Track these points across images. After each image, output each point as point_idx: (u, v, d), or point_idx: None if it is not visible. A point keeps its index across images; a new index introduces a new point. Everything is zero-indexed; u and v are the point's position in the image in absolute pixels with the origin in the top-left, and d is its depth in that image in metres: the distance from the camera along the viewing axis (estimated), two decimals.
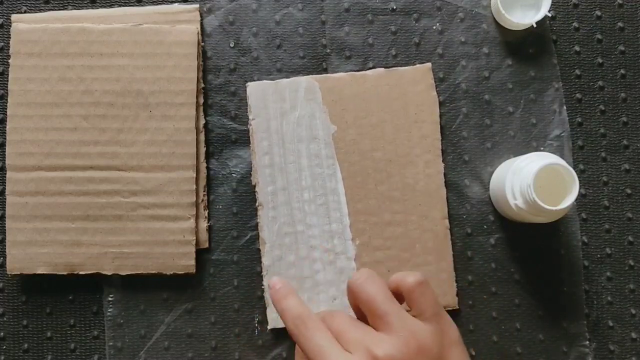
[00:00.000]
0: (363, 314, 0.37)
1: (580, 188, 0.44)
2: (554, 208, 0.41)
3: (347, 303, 0.45)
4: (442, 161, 0.48)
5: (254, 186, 0.48)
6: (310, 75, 0.48)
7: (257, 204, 0.47)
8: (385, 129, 0.48)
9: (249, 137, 0.49)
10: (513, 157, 0.48)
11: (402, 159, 0.47)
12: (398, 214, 0.47)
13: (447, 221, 0.47)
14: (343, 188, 0.47)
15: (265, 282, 0.47)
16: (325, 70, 0.49)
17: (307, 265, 0.47)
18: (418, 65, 0.49)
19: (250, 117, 0.48)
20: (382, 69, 0.49)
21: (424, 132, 0.48)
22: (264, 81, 0.48)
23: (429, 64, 0.49)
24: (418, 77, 0.48)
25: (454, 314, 0.47)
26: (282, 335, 0.47)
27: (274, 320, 0.47)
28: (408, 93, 0.48)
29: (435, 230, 0.47)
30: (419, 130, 0.48)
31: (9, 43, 0.48)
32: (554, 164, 0.42)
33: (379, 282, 0.37)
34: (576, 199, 0.42)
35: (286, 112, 0.48)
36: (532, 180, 0.41)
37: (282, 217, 0.47)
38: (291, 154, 0.47)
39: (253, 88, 0.48)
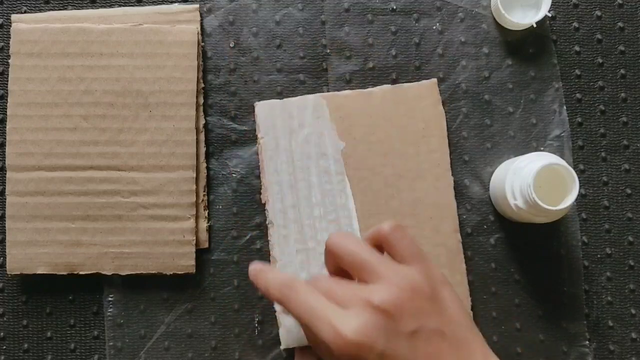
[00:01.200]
0: (342, 277, 0.37)
1: (580, 188, 0.44)
2: (554, 208, 0.41)
3: None
4: None
5: (264, 204, 0.47)
6: (318, 94, 0.48)
7: (267, 222, 0.47)
8: (394, 144, 0.48)
9: (248, 137, 0.49)
10: (513, 157, 0.48)
11: (412, 174, 0.47)
12: (410, 228, 0.47)
13: (459, 234, 0.47)
14: (353, 204, 0.47)
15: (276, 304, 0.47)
16: (325, 71, 0.49)
17: None
18: (424, 81, 0.48)
19: (259, 135, 0.48)
20: (388, 85, 0.49)
21: (432, 147, 0.48)
22: (272, 100, 0.48)
23: (434, 80, 0.48)
24: (424, 93, 0.48)
25: None
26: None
27: (286, 340, 0.46)
28: (415, 108, 0.48)
29: (448, 244, 0.47)
30: (427, 144, 0.48)
31: (9, 43, 0.48)
32: (554, 164, 0.42)
33: (357, 238, 0.37)
34: (576, 199, 0.42)
35: (295, 130, 0.48)
36: (532, 180, 0.41)
37: (293, 234, 0.47)
38: (301, 171, 0.47)
39: (261, 107, 0.48)
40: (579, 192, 0.46)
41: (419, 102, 0.48)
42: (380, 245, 0.37)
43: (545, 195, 0.42)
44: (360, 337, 0.33)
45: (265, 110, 0.48)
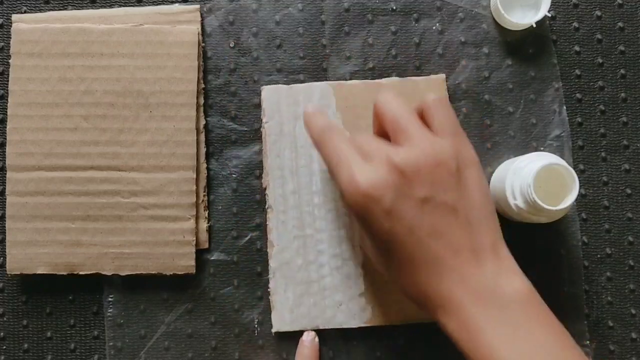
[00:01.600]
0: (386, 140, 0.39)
1: (580, 188, 0.44)
2: (554, 208, 0.41)
3: (354, 311, 0.46)
4: None
5: (264, 188, 0.48)
6: (325, 82, 0.48)
7: (266, 206, 0.47)
8: None
9: (248, 137, 0.49)
10: (513, 157, 0.48)
11: None
12: None
13: None
14: None
15: (271, 285, 0.47)
16: (325, 71, 0.49)
17: (315, 270, 0.47)
18: (432, 76, 0.48)
19: (264, 119, 0.48)
20: (397, 78, 0.48)
21: None
22: (279, 85, 0.48)
23: (443, 75, 0.48)
24: (432, 88, 0.48)
25: None
26: (283, 336, 0.47)
27: (278, 323, 0.46)
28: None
29: None
30: None
31: (9, 43, 0.48)
32: (554, 164, 0.42)
33: (403, 102, 0.38)
34: (576, 199, 0.42)
35: (300, 116, 0.48)
36: (532, 180, 0.41)
37: (292, 220, 0.47)
38: (303, 158, 0.47)
39: (267, 91, 0.48)
40: (579, 192, 0.46)
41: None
42: (423, 116, 0.39)
43: (545, 195, 0.42)
44: (371, 190, 0.35)
45: (272, 95, 0.48)
